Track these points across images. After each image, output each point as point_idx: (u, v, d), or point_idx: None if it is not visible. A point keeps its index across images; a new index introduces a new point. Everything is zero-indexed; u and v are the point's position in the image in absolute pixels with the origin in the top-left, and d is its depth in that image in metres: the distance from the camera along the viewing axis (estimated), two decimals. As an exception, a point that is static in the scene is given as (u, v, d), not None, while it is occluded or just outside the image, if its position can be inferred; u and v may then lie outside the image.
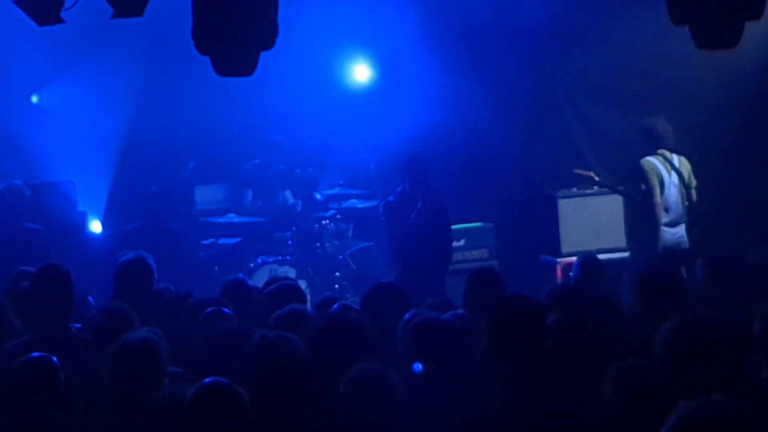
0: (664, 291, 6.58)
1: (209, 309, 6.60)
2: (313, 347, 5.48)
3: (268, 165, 12.99)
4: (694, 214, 10.94)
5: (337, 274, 12.37)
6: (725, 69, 11.37)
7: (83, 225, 11.51)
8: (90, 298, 8.36)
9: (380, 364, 5.09)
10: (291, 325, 6.02)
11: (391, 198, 10.56)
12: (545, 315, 5.29)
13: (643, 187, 10.87)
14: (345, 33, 12.97)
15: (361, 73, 13.44)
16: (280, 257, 12.40)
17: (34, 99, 13.16)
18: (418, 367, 5.16)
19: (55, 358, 5.50)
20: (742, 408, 3.47)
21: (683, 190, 10.93)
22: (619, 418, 4.77)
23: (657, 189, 10.80)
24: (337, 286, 12.20)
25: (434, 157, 11.87)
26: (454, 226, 12.10)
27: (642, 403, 4.18)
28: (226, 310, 6.66)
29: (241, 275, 8.11)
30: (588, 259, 8.89)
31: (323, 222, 12.59)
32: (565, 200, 12.25)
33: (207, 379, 4.86)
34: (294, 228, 12.70)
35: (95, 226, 12.65)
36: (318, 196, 12.83)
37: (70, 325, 6.71)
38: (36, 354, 5.56)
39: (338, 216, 12.57)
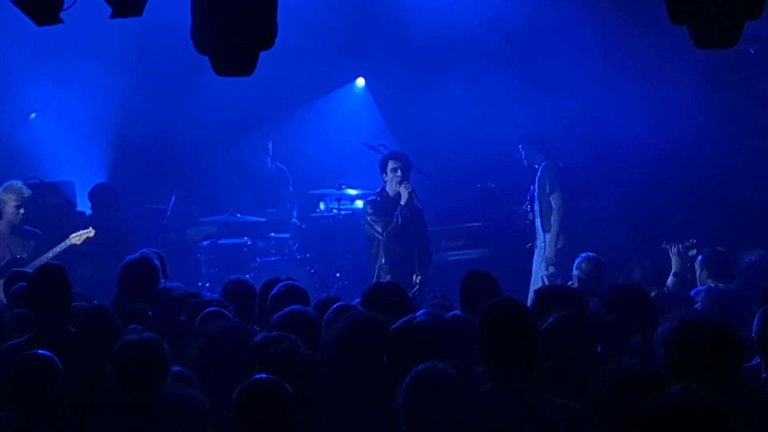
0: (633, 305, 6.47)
1: (209, 309, 6.60)
2: (336, 349, 5.47)
3: (266, 164, 13.04)
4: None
5: (337, 274, 12.38)
6: (723, 68, 11.39)
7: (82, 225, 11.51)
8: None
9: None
10: (292, 325, 6.02)
11: (374, 196, 10.66)
12: (533, 317, 5.29)
13: (554, 195, 11.31)
14: (344, 34, 13.02)
15: (360, 80, 13.60)
16: (280, 257, 12.39)
17: (33, 116, 13.16)
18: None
19: (55, 357, 5.51)
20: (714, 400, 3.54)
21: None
22: (614, 419, 4.78)
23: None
24: (336, 285, 12.20)
25: (434, 156, 11.93)
26: (454, 226, 12.17)
27: (638, 403, 4.17)
28: (225, 311, 6.66)
29: (245, 276, 8.11)
30: (589, 258, 8.88)
31: (323, 222, 12.59)
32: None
33: (257, 376, 4.87)
34: (294, 228, 12.71)
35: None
36: (321, 206, 12.83)
37: (68, 324, 6.70)
38: (38, 351, 5.58)
39: (338, 216, 12.57)
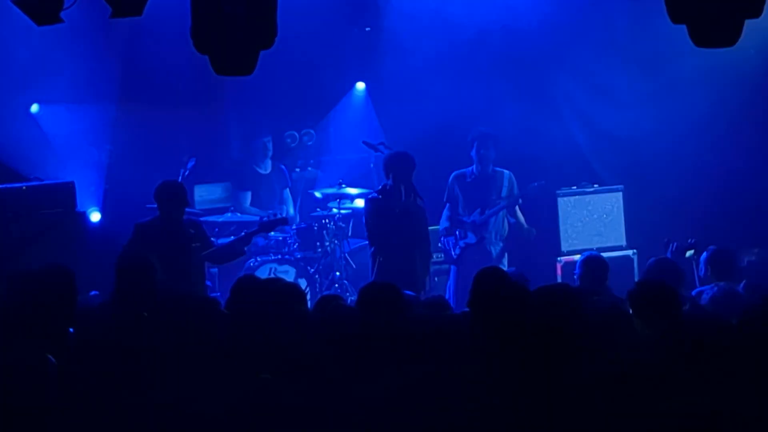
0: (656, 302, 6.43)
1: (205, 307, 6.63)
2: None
3: (266, 165, 13.05)
4: None
5: (337, 273, 12.38)
6: (726, 67, 11.38)
7: (82, 226, 11.50)
8: (94, 292, 8.34)
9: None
10: (290, 323, 6.03)
11: (375, 194, 10.66)
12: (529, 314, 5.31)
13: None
14: (344, 34, 13.03)
15: (360, 84, 13.63)
16: (279, 257, 12.39)
17: (34, 108, 13.13)
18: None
19: (52, 359, 5.50)
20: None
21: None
22: (611, 415, 4.79)
23: None
24: (336, 285, 12.21)
25: (433, 156, 11.93)
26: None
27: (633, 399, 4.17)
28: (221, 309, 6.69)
29: (256, 274, 8.09)
30: (591, 258, 8.88)
31: (323, 221, 12.59)
32: (565, 199, 12.26)
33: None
34: (294, 227, 12.70)
35: (94, 216, 12.68)
36: (318, 195, 12.84)
37: (71, 325, 6.70)
38: (29, 354, 5.56)
39: (338, 215, 12.57)
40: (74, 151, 12.93)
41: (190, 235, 10.41)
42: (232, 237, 12.36)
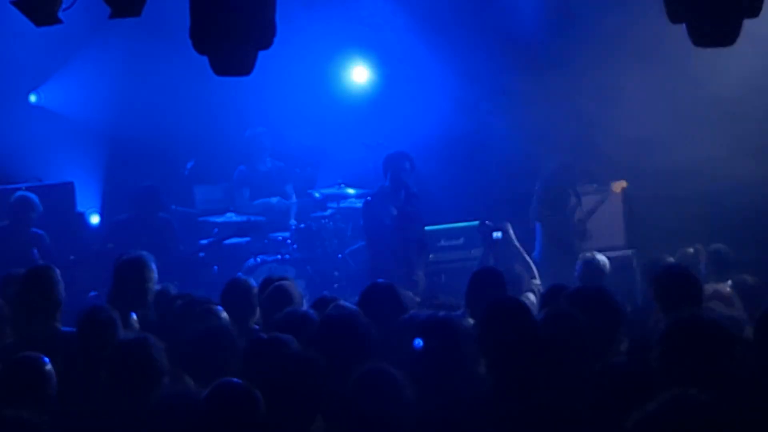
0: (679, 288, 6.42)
1: (201, 307, 6.64)
2: (311, 348, 5.51)
3: (265, 162, 13.04)
4: None
5: (336, 273, 12.38)
6: (727, 66, 11.37)
7: (82, 226, 11.51)
8: (93, 293, 8.33)
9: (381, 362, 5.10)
10: (289, 325, 6.03)
11: (370, 197, 10.68)
12: (533, 316, 5.30)
13: None
14: (343, 34, 13.03)
15: (359, 74, 13.51)
16: (279, 257, 12.39)
17: (33, 98, 13.15)
18: (418, 343, 5.19)
19: (46, 359, 5.49)
20: (712, 402, 3.51)
21: None
22: (607, 414, 4.78)
23: None
24: (336, 285, 12.21)
25: (433, 155, 11.94)
26: (453, 225, 12.15)
27: (629, 401, 4.15)
28: (219, 308, 6.70)
29: (245, 275, 8.10)
30: (588, 258, 8.89)
31: (322, 221, 12.59)
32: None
33: (222, 380, 4.86)
34: (293, 227, 12.71)
35: (94, 219, 12.71)
36: (317, 195, 12.85)
37: (59, 326, 6.70)
38: (27, 353, 5.55)
39: (337, 215, 12.58)
40: (74, 151, 12.95)
41: (161, 235, 10.58)
42: (236, 238, 12.40)
